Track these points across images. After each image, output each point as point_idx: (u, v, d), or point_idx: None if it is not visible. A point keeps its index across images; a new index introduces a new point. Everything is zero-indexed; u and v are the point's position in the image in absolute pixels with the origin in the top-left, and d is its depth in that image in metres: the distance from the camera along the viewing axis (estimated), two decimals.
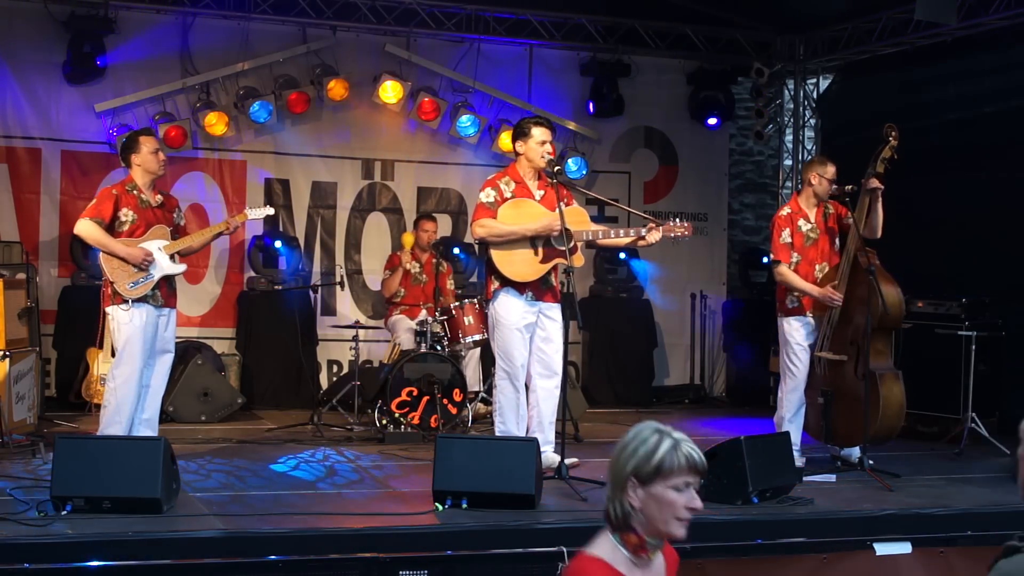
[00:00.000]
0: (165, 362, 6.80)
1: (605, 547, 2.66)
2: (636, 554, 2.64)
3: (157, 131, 9.42)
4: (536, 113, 10.58)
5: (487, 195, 6.59)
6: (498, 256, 6.55)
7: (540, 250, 6.56)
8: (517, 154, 6.69)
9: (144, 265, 6.55)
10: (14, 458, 6.78)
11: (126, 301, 6.53)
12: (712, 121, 11.29)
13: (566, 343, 6.74)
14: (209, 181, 9.97)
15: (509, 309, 6.59)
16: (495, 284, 6.61)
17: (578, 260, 6.52)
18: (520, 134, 6.67)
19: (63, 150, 9.54)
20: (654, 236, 6.54)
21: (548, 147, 6.60)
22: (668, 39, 10.98)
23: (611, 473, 2.66)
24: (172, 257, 6.74)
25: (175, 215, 6.91)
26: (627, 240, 6.69)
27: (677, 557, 2.81)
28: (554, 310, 6.66)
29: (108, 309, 6.60)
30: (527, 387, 6.71)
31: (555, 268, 6.63)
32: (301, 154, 10.27)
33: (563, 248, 6.48)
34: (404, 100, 10.11)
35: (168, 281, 6.75)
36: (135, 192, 6.69)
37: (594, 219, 10.89)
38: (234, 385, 9.38)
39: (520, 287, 6.57)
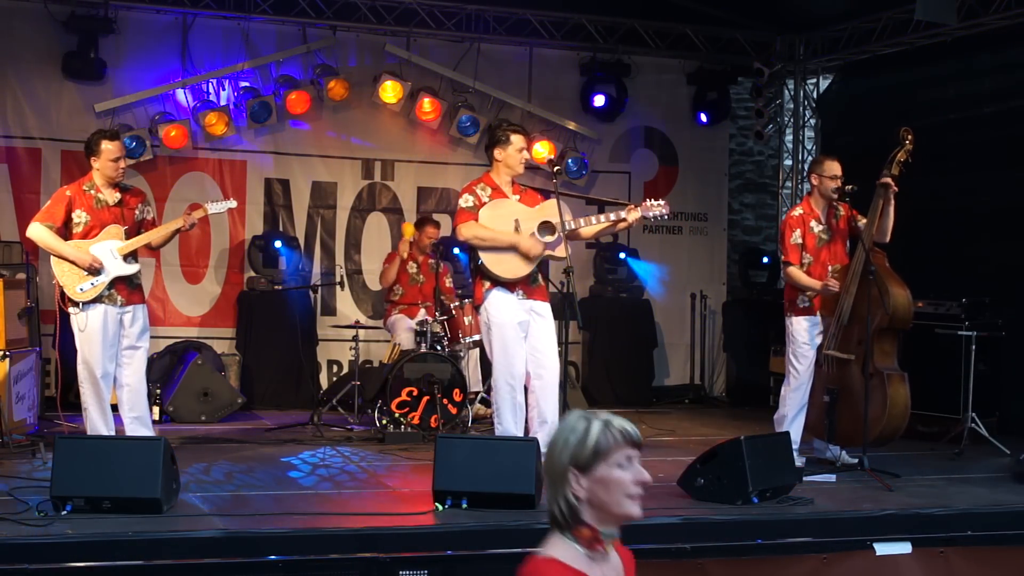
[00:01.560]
0: (138, 358, 6.73)
1: (559, 547, 2.55)
2: (592, 548, 2.55)
3: (157, 131, 9.44)
4: (535, 113, 10.64)
5: (466, 200, 6.73)
6: (487, 257, 6.64)
7: None
8: (495, 161, 6.80)
9: (93, 270, 6.52)
10: (14, 458, 6.78)
11: (76, 304, 6.53)
12: (703, 118, 11.25)
13: (566, 340, 6.77)
14: (209, 181, 9.97)
15: (501, 308, 6.65)
16: (486, 285, 6.70)
17: (562, 251, 6.70)
18: (498, 141, 6.78)
19: (63, 150, 9.53)
20: (633, 215, 6.71)
21: (526, 154, 6.79)
22: (668, 39, 10.98)
23: (547, 472, 2.56)
24: (127, 258, 6.66)
25: (138, 211, 6.82)
26: (607, 224, 6.79)
27: (632, 555, 2.73)
28: (544, 308, 6.75)
29: (68, 311, 6.61)
30: (525, 387, 6.74)
31: (542, 266, 6.76)
32: (301, 154, 10.27)
33: (549, 241, 6.63)
34: (404, 100, 10.10)
35: (127, 280, 6.68)
36: (92, 191, 6.65)
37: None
38: (234, 385, 9.37)
39: (510, 285, 6.66)
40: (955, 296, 8.76)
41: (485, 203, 6.70)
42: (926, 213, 9.32)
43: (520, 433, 6.65)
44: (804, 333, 7.25)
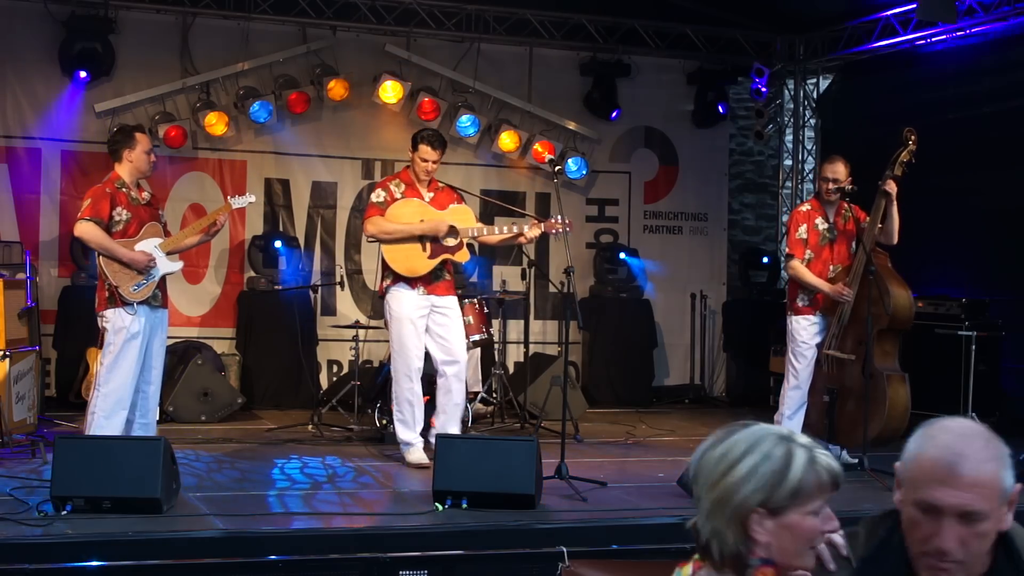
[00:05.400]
0: (161, 364, 6.64)
1: None
2: None
3: (157, 131, 9.44)
4: (535, 113, 10.63)
5: (377, 195, 7.05)
6: (389, 252, 6.96)
7: (428, 246, 6.97)
8: (412, 158, 7.10)
9: (146, 269, 6.40)
10: (14, 458, 6.78)
11: (130, 305, 6.34)
12: (721, 110, 11.17)
13: (566, 339, 6.83)
14: (209, 181, 9.96)
15: (401, 302, 6.96)
16: (388, 280, 7.00)
17: (463, 256, 7.11)
18: (412, 143, 7.10)
19: (63, 150, 9.54)
20: (534, 232, 7.00)
21: (430, 165, 7.02)
22: (668, 39, 10.98)
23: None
24: (169, 255, 6.58)
25: (160, 212, 6.76)
26: (508, 235, 7.12)
27: None
28: (449, 301, 7.06)
29: (107, 312, 6.37)
30: (432, 378, 7.13)
31: (446, 263, 7.05)
32: (301, 154, 10.26)
33: (451, 244, 6.96)
34: (404, 100, 10.10)
35: (163, 280, 6.59)
36: (124, 190, 6.48)
37: (593, 219, 11.03)
38: (234, 385, 9.37)
39: (411, 282, 6.95)
40: (955, 296, 8.76)
41: (397, 199, 7.00)
42: (926, 213, 9.31)
43: (419, 423, 7.02)
44: (804, 332, 7.26)
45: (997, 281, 9.00)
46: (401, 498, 6.12)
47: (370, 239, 7.20)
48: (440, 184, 7.23)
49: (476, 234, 7.09)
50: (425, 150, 6.99)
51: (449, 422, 7.03)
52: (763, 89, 10.96)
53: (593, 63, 10.83)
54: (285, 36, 10.04)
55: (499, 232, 7.16)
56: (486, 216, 9.06)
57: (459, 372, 7.02)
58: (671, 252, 11.31)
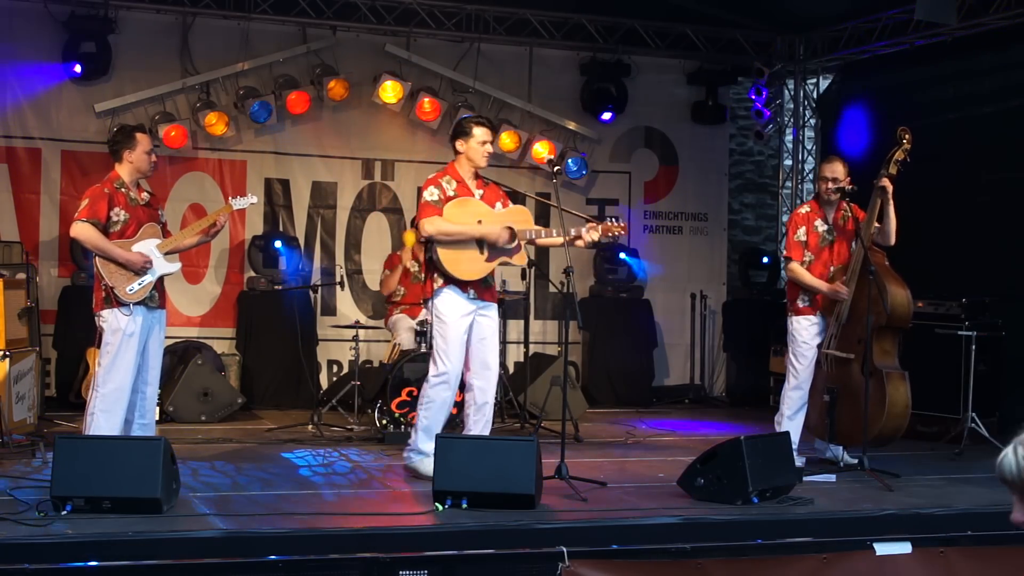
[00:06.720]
0: (157, 365, 6.59)
1: None
2: None
3: (157, 131, 9.44)
4: (535, 113, 10.63)
5: (431, 193, 6.59)
6: (444, 255, 6.53)
7: (486, 249, 6.58)
8: (457, 153, 6.69)
9: (142, 271, 6.37)
10: (14, 458, 6.77)
11: (126, 305, 6.30)
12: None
13: (566, 340, 6.76)
14: (209, 181, 9.97)
15: (452, 307, 6.56)
16: (438, 282, 6.60)
17: (520, 259, 6.70)
18: (461, 133, 6.66)
19: (63, 150, 9.55)
20: (592, 235, 6.56)
21: (489, 147, 6.64)
22: (668, 39, 10.99)
23: None
24: (167, 256, 6.52)
25: (160, 213, 6.70)
26: (566, 239, 6.67)
27: None
28: (490, 308, 6.69)
29: (104, 313, 6.34)
30: (463, 384, 6.78)
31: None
32: (301, 154, 10.28)
33: (509, 247, 6.57)
34: (404, 100, 10.10)
35: (160, 281, 6.54)
36: (123, 190, 6.43)
37: (594, 219, 11.02)
38: (234, 385, 9.38)
39: (463, 285, 6.58)
40: (955, 296, 8.76)
41: (451, 197, 6.60)
42: (926, 213, 9.31)
43: (440, 427, 6.62)
44: (804, 332, 7.26)
45: (997, 281, 9.00)
46: (401, 498, 6.12)
47: (424, 240, 6.69)
48: (486, 180, 6.81)
49: (534, 236, 6.69)
50: (483, 132, 6.58)
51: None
52: (764, 90, 10.99)
53: (593, 63, 10.84)
54: (285, 36, 10.05)
55: (556, 236, 6.65)
56: None
57: (492, 382, 6.67)
58: (671, 252, 11.32)
